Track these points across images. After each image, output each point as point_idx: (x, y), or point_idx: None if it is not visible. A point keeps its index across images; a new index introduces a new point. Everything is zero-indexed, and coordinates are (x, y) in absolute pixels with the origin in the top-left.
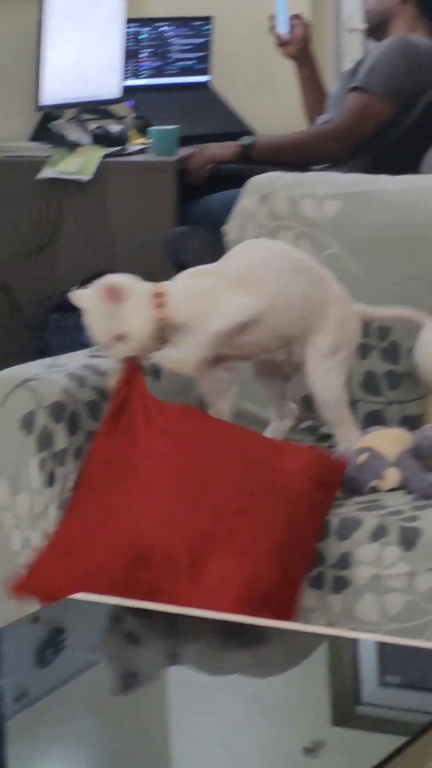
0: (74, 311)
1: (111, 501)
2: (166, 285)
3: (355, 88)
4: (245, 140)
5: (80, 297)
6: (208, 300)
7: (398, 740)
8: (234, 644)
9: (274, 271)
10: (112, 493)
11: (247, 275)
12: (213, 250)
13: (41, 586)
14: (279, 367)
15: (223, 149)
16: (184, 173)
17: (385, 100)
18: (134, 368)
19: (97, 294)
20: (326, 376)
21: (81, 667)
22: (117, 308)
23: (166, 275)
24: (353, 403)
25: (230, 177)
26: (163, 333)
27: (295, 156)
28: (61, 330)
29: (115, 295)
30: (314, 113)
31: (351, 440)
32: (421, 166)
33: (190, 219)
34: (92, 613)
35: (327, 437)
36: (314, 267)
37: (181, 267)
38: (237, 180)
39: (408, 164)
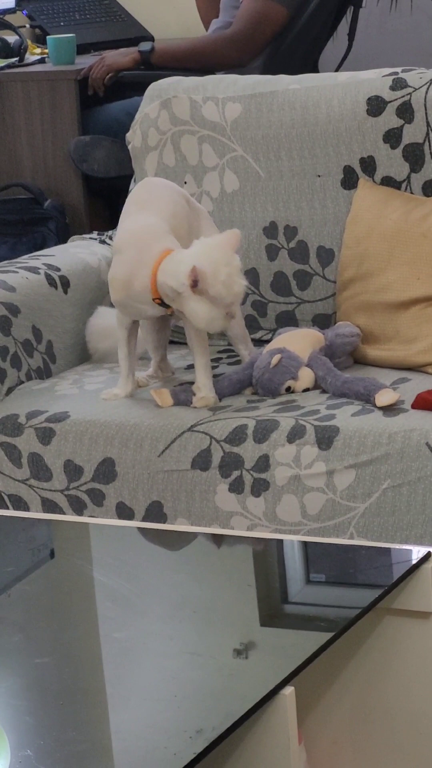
0: None
1: None
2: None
3: None
4: (144, 46)
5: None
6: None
7: (326, 636)
8: (156, 551)
9: (182, 212)
10: None
11: (173, 221)
12: (117, 158)
13: None
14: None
15: (123, 56)
16: (85, 82)
17: (280, 3)
18: None
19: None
20: None
21: (4, 584)
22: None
23: (71, 185)
24: (264, 305)
25: (132, 84)
26: None
27: (195, 62)
28: None
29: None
30: (208, 15)
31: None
32: (319, 65)
33: (93, 127)
34: (11, 528)
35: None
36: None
37: (86, 176)
38: (140, 87)
39: (306, 63)
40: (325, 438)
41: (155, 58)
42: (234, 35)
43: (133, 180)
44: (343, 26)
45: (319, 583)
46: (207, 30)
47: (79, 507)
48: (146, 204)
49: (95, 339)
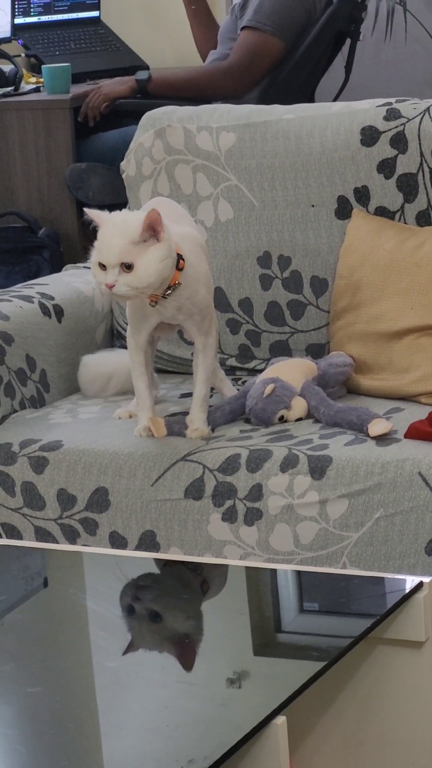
0: None
1: None
2: None
3: (245, 27)
4: (141, 74)
5: None
6: None
7: (318, 665)
8: (150, 580)
9: None
10: None
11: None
12: (112, 186)
13: None
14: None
15: (119, 85)
16: (80, 110)
17: (276, 36)
18: None
19: None
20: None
21: None
22: None
23: (65, 213)
24: (258, 335)
25: (129, 112)
26: None
27: (191, 92)
28: None
29: None
30: (205, 46)
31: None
32: (316, 96)
33: (88, 155)
34: (4, 557)
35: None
36: None
37: (80, 203)
38: (136, 115)
39: (302, 95)
40: (318, 467)
41: (152, 87)
42: (230, 67)
43: (127, 208)
44: (340, 59)
45: (312, 612)
46: (204, 61)
47: (72, 536)
48: (181, 220)
49: (97, 387)
